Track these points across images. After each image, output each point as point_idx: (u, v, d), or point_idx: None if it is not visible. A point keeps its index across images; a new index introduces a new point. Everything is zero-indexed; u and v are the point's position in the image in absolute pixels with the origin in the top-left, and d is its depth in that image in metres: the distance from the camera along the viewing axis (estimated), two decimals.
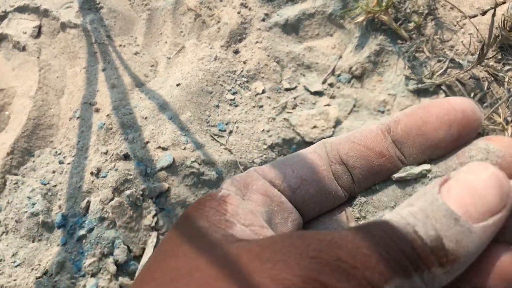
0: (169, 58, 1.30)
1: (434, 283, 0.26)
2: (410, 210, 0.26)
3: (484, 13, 1.29)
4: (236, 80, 1.25)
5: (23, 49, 1.30)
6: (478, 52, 1.16)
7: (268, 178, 0.35)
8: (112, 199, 1.07)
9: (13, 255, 1.07)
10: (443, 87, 1.22)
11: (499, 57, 1.23)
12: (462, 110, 0.32)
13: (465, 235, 0.25)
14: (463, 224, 0.25)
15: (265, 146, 1.15)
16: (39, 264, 1.05)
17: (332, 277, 0.23)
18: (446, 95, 1.21)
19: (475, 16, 1.28)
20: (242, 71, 1.26)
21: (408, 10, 1.30)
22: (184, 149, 1.11)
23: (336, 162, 0.36)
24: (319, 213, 0.36)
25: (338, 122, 1.20)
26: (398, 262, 0.24)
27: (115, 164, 1.09)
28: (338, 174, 0.36)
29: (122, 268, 1.04)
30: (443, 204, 0.26)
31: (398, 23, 1.30)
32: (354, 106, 1.23)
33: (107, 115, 1.18)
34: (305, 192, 0.35)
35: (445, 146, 0.33)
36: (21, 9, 1.34)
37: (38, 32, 1.32)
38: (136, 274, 1.02)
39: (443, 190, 0.27)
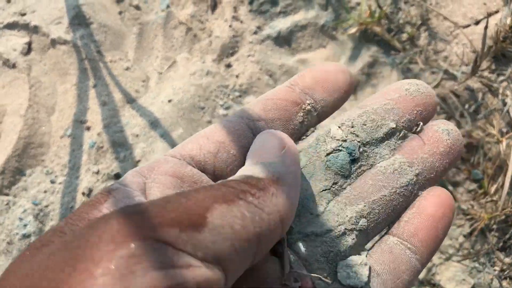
0: (161, 73, 1.29)
1: (270, 206, 0.28)
2: None
3: (477, 22, 1.28)
4: (228, 95, 1.24)
5: (13, 66, 1.28)
6: (472, 63, 1.15)
7: (183, 154, 0.34)
8: None
9: None
10: (437, 99, 1.21)
11: (493, 67, 1.22)
12: (343, 67, 0.40)
13: (267, 165, 0.30)
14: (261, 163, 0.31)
15: None
16: None
17: (149, 222, 0.23)
18: (441, 108, 1.20)
19: (468, 26, 1.27)
20: (234, 85, 1.25)
21: (401, 21, 1.29)
22: None
23: (254, 119, 0.37)
24: None
25: None
26: (214, 195, 0.26)
27: (106, 184, 1.08)
28: (259, 130, 0.36)
29: None
30: (239, 174, 0.30)
31: (391, 34, 1.29)
32: None
33: (98, 133, 1.17)
34: (226, 154, 0.35)
35: (345, 89, 0.39)
36: (11, 26, 1.33)
37: (28, 49, 1.31)
38: None
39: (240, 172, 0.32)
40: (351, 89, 0.40)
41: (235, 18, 1.33)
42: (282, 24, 1.32)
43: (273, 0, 1.34)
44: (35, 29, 1.32)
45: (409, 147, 0.38)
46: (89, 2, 1.34)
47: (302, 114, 0.39)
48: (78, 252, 0.22)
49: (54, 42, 1.30)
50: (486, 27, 1.08)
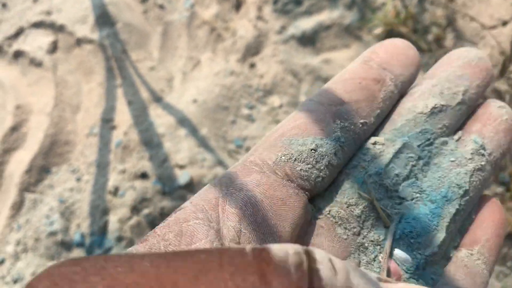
0: (185, 73, 1.29)
1: None
2: None
3: (504, 23, 1.26)
4: (252, 95, 1.24)
5: (40, 65, 1.30)
6: (500, 65, 1.14)
7: (264, 160, 0.31)
8: (130, 218, 1.06)
9: (32, 274, 1.08)
10: None
11: None
12: (409, 43, 0.39)
13: None
14: None
15: None
16: None
17: None
18: None
19: (495, 26, 1.26)
20: (258, 85, 1.25)
21: (427, 22, 1.28)
22: (202, 166, 1.11)
23: (337, 103, 0.34)
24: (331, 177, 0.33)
25: None
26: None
27: (133, 183, 1.09)
28: (343, 115, 0.34)
29: None
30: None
31: (417, 35, 1.27)
32: None
33: (124, 132, 1.18)
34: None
35: (417, 64, 0.38)
36: (37, 25, 1.34)
37: (54, 48, 1.32)
38: None
39: None
40: (420, 65, 0.39)
41: (259, 17, 1.32)
42: (306, 24, 1.32)
43: (297, 0, 1.33)
44: (61, 28, 1.33)
45: (473, 127, 0.37)
46: (114, 1, 1.35)
47: (384, 91, 0.36)
48: None
49: (79, 41, 1.31)
50: None
